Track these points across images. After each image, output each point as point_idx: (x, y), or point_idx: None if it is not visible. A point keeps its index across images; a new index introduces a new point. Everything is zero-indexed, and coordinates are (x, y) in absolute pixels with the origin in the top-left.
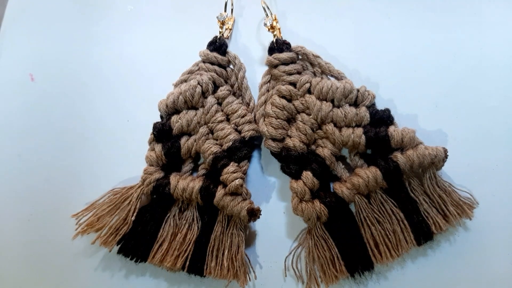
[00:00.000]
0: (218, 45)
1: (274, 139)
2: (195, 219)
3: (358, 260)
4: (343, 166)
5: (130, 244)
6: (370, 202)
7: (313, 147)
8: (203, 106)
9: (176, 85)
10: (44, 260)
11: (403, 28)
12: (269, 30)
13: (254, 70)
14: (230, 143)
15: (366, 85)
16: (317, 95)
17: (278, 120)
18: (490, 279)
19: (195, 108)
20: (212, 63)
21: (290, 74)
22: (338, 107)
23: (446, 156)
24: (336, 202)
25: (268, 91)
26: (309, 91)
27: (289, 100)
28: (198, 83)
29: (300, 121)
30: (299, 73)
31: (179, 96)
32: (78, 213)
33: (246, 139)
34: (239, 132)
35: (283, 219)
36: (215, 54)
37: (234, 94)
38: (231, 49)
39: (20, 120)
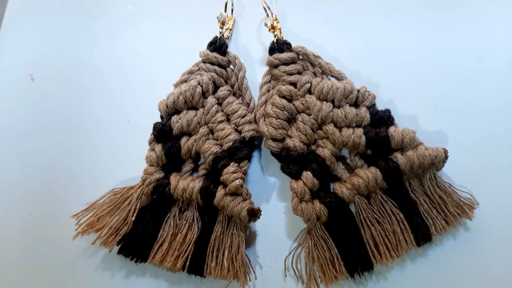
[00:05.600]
0: (218, 45)
1: (274, 139)
2: (195, 219)
3: (358, 261)
4: (343, 167)
5: (130, 244)
6: (370, 202)
7: (313, 147)
8: (203, 106)
9: (176, 85)
10: (44, 260)
11: (404, 28)
12: (269, 30)
13: (255, 70)
14: (230, 143)
15: (367, 85)
16: (317, 95)
17: (279, 120)
18: (490, 279)
19: (195, 108)
20: (212, 63)
21: (291, 74)
22: (339, 107)
23: (446, 157)
24: (336, 202)
25: (268, 91)
26: (309, 91)
27: (290, 100)
28: (198, 83)
29: (301, 121)
30: (299, 73)
31: (179, 96)
32: (78, 213)
33: (246, 139)
34: (239, 132)
35: (283, 219)
36: (215, 54)
37: (234, 94)
38: (231, 49)
39: (20, 120)
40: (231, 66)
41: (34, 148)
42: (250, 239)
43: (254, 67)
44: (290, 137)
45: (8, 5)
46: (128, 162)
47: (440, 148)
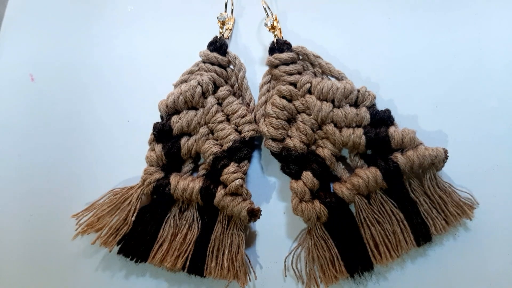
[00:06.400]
0: (218, 45)
1: (274, 139)
2: (195, 219)
3: (358, 261)
4: (343, 167)
5: (130, 244)
6: (370, 202)
7: (313, 147)
8: (203, 107)
9: (176, 85)
10: (44, 260)
11: (403, 28)
12: (269, 30)
13: (255, 70)
14: (230, 143)
15: (367, 85)
16: (317, 95)
17: (279, 120)
18: (490, 279)
19: (195, 108)
20: (212, 63)
21: (291, 74)
22: (339, 107)
23: (446, 157)
24: (336, 202)
25: (268, 91)
26: (309, 91)
27: (290, 100)
28: (198, 83)
29: (301, 121)
30: (299, 73)
31: (179, 96)
32: (78, 213)
33: (246, 139)
34: (239, 132)
35: (283, 219)
36: (215, 54)
37: (234, 94)
38: (231, 49)
39: (20, 120)
40: (231, 66)
41: (34, 148)
42: (250, 239)
43: (254, 67)
44: (290, 137)
45: (8, 5)
46: (128, 162)
47: (440, 148)
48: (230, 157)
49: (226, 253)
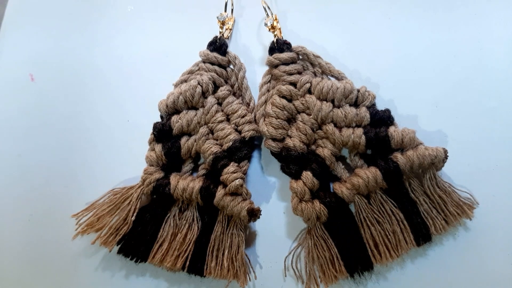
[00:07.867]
0: (218, 45)
1: (274, 139)
2: (195, 219)
3: (358, 260)
4: (343, 166)
5: (130, 244)
6: (370, 202)
7: (313, 147)
8: (203, 106)
9: (176, 85)
10: (44, 260)
11: (403, 28)
12: (269, 30)
13: (254, 70)
14: (230, 143)
15: (367, 85)
16: (317, 95)
17: (278, 120)
18: (490, 279)
19: (195, 108)
20: (212, 63)
21: (291, 74)
22: (339, 107)
23: (446, 157)
24: (336, 202)
25: (268, 91)
26: (309, 91)
27: (290, 100)
28: (198, 83)
29: (300, 121)
30: (299, 73)
31: (179, 96)
32: (78, 213)
33: (246, 139)
34: (239, 132)
35: (283, 219)
36: (215, 54)
37: (234, 94)
38: (231, 49)
39: (20, 120)
40: (231, 66)
41: (34, 148)
42: (250, 239)
43: (254, 67)
44: (290, 137)
45: (8, 5)
46: (128, 162)
47: (440, 148)
48: (230, 157)
49: (226, 253)
